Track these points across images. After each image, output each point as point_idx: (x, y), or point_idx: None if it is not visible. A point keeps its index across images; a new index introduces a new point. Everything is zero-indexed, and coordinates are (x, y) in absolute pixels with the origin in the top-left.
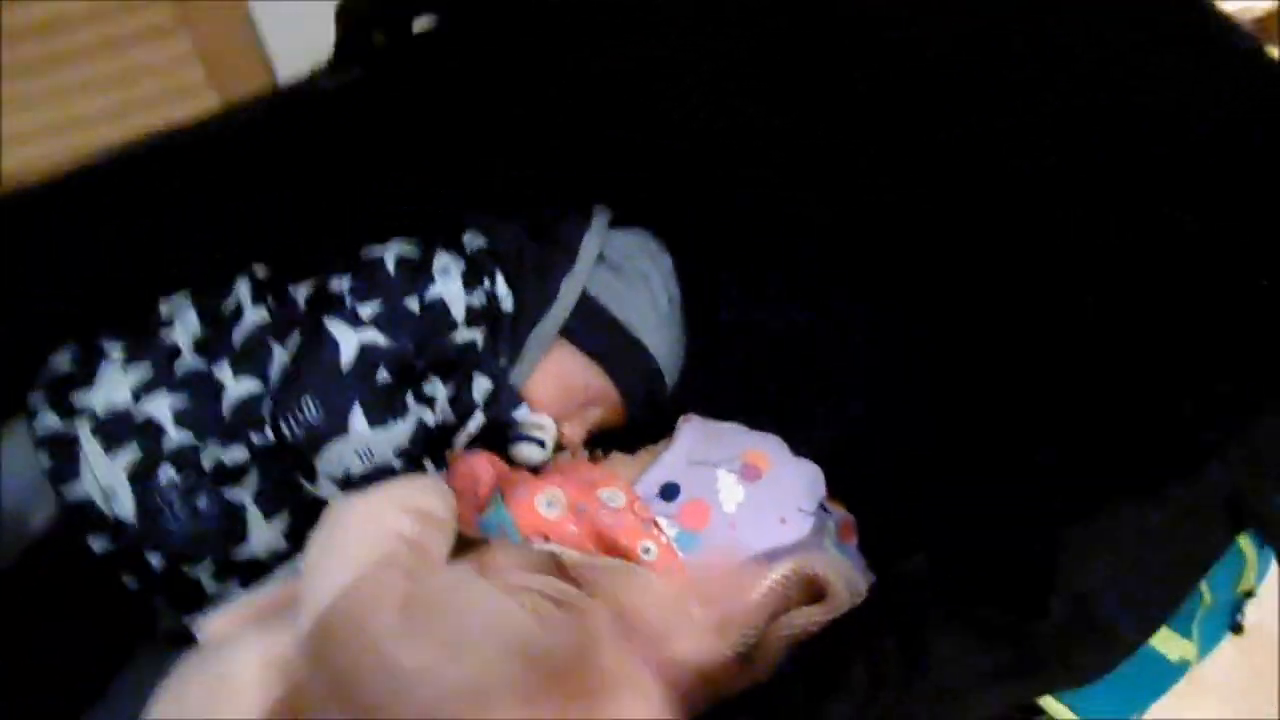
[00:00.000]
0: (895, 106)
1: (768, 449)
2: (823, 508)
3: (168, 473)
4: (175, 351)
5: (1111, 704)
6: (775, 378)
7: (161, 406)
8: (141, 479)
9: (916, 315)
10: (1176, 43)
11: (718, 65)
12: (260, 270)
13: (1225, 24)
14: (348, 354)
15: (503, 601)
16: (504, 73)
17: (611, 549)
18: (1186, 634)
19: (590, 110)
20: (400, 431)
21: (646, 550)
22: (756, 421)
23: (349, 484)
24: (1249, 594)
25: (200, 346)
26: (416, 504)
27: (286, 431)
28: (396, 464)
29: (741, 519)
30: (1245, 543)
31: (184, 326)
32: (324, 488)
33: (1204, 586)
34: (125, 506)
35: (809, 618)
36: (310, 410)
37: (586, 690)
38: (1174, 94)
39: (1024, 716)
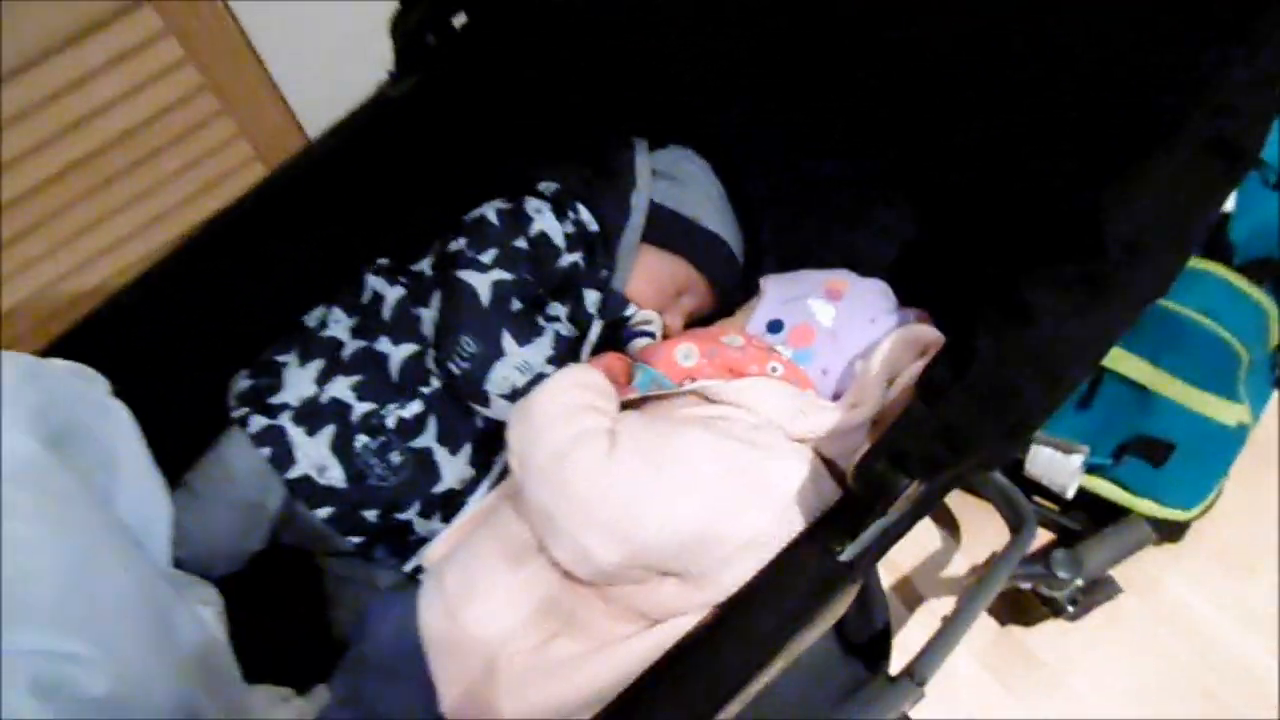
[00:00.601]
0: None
1: (842, 275)
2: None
3: (362, 439)
4: (338, 343)
5: (1191, 485)
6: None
7: (342, 387)
8: (343, 449)
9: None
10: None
11: (722, 62)
12: (383, 261)
13: None
14: (485, 293)
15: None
16: (536, 52)
17: (743, 376)
18: (1236, 397)
19: (611, 78)
20: (544, 344)
21: (774, 369)
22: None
23: (516, 395)
24: None
25: (357, 332)
26: (582, 378)
27: (454, 368)
28: (549, 370)
29: (840, 328)
30: (1263, 297)
31: (338, 324)
32: (496, 406)
33: (1239, 344)
34: (336, 475)
35: (921, 368)
36: (470, 345)
37: (752, 464)
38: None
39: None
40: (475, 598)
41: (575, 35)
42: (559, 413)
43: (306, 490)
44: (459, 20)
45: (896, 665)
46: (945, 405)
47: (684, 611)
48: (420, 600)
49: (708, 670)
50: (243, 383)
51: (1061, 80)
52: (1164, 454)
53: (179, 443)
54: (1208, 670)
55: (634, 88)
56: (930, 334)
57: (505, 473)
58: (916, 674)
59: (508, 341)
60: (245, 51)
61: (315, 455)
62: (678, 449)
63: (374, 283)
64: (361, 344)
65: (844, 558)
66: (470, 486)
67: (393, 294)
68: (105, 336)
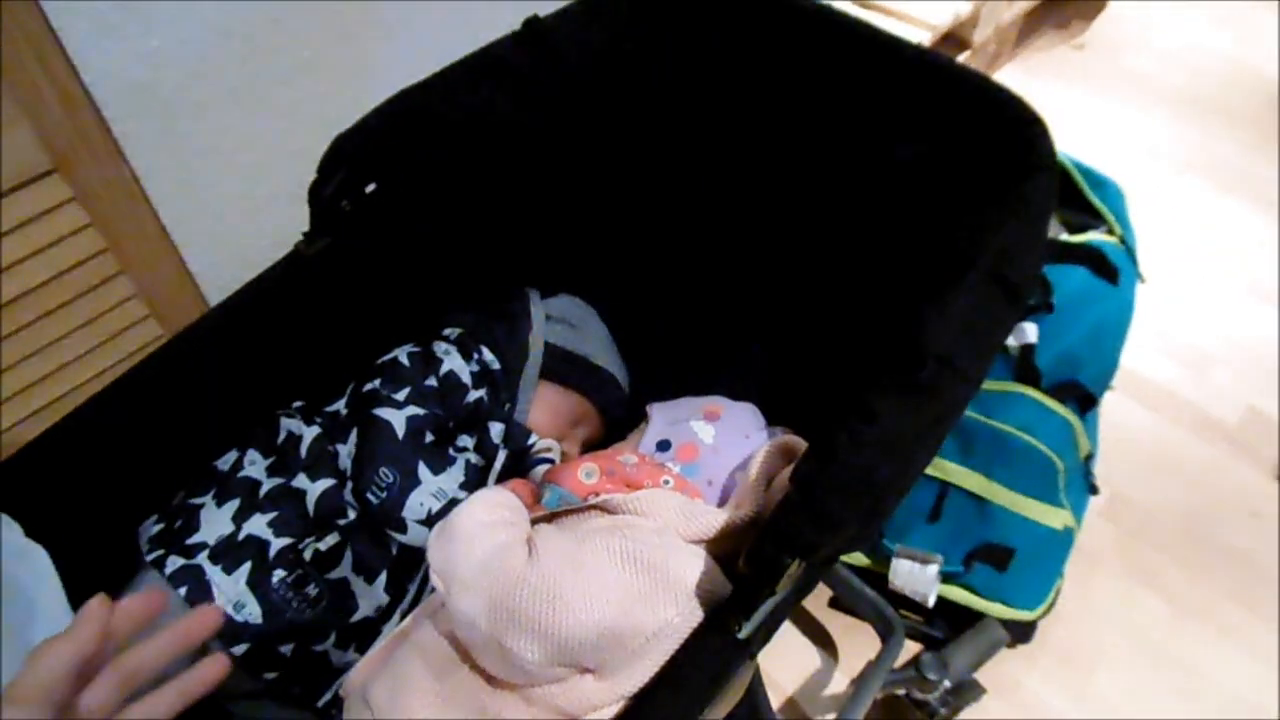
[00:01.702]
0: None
1: (717, 401)
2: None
3: (279, 574)
4: (255, 483)
5: (1032, 587)
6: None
7: (259, 525)
8: (259, 585)
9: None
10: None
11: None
12: (298, 404)
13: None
14: (400, 428)
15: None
16: (441, 216)
17: (640, 489)
18: (1059, 503)
19: (508, 240)
20: (456, 472)
21: (667, 482)
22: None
23: (432, 520)
24: (1090, 457)
25: (273, 471)
26: (497, 498)
27: (372, 498)
28: (462, 495)
29: (720, 444)
30: (1068, 413)
31: (253, 465)
32: (412, 531)
33: (1054, 455)
34: (253, 611)
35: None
36: (387, 475)
37: (656, 563)
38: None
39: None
40: (401, 711)
41: (477, 200)
42: (479, 529)
43: (224, 628)
44: (370, 187)
45: None
46: (815, 492)
47: (603, 705)
48: None
49: None
50: (154, 527)
51: (880, 235)
52: (1006, 559)
53: (88, 589)
54: None
55: (528, 246)
56: (797, 443)
57: (418, 598)
58: None
59: (423, 470)
60: (149, 218)
61: (232, 592)
62: (590, 552)
63: (289, 424)
64: (279, 481)
65: (742, 635)
66: (385, 614)
67: (309, 433)
68: (14, 485)
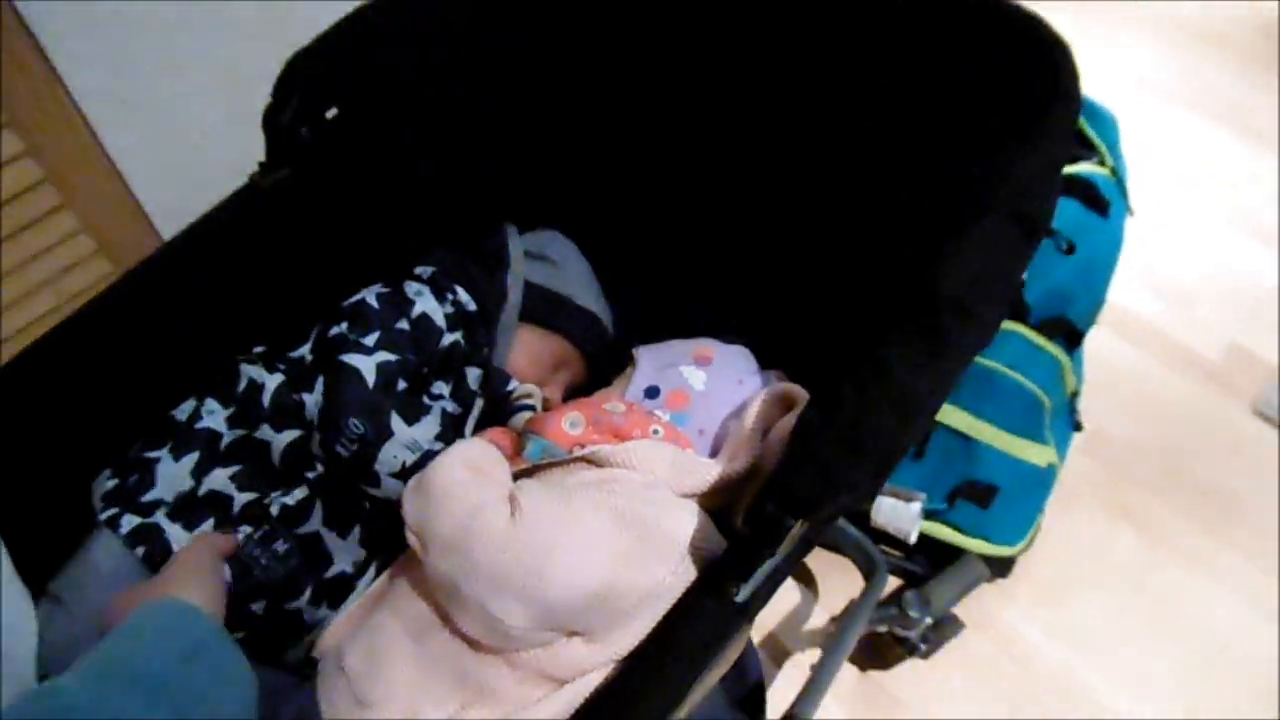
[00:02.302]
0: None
1: (707, 344)
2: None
3: (244, 530)
4: (216, 435)
5: (1014, 523)
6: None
7: (221, 479)
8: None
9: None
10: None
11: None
12: (258, 349)
13: None
14: (370, 375)
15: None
16: (408, 142)
17: (628, 440)
18: (1044, 440)
19: (481, 166)
20: (431, 423)
21: (656, 432)
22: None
23: (407, 474)
24: (1076, 394)
25: (235, 422)
26: (476, 451)
27: (342, 450)
28: (438, 447)
29: (711, 390)
30: (1057, 350)
31: (213, 415)
32: (386, 485)
33: (1041, 392)
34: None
35: (790, 420)
36: (357, 427)
37: (647, 520)
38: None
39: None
40: (380, 677)
41: (447, 126)
42: (457, 485)
43: None
44: (331, 113)
45: (773, 715)
46: (820, 448)
47: (591, 669)
48: (320, 687)
49: None
50: (108, 483)
51: (889, 170)
52: (989, 496)
53: (41, 550)
54: (1047, 693)
55: (504, 176)
56: (795, 390)
57: (393, 552)
58: (797, 717)
59: (396, 421)
60: (93, 147)
61: None
62: (577, 510)
63: (250, 371)
64: (240, 433)
65: (739, 599)
66: (361, 568)
67: (271, 381)
68: None
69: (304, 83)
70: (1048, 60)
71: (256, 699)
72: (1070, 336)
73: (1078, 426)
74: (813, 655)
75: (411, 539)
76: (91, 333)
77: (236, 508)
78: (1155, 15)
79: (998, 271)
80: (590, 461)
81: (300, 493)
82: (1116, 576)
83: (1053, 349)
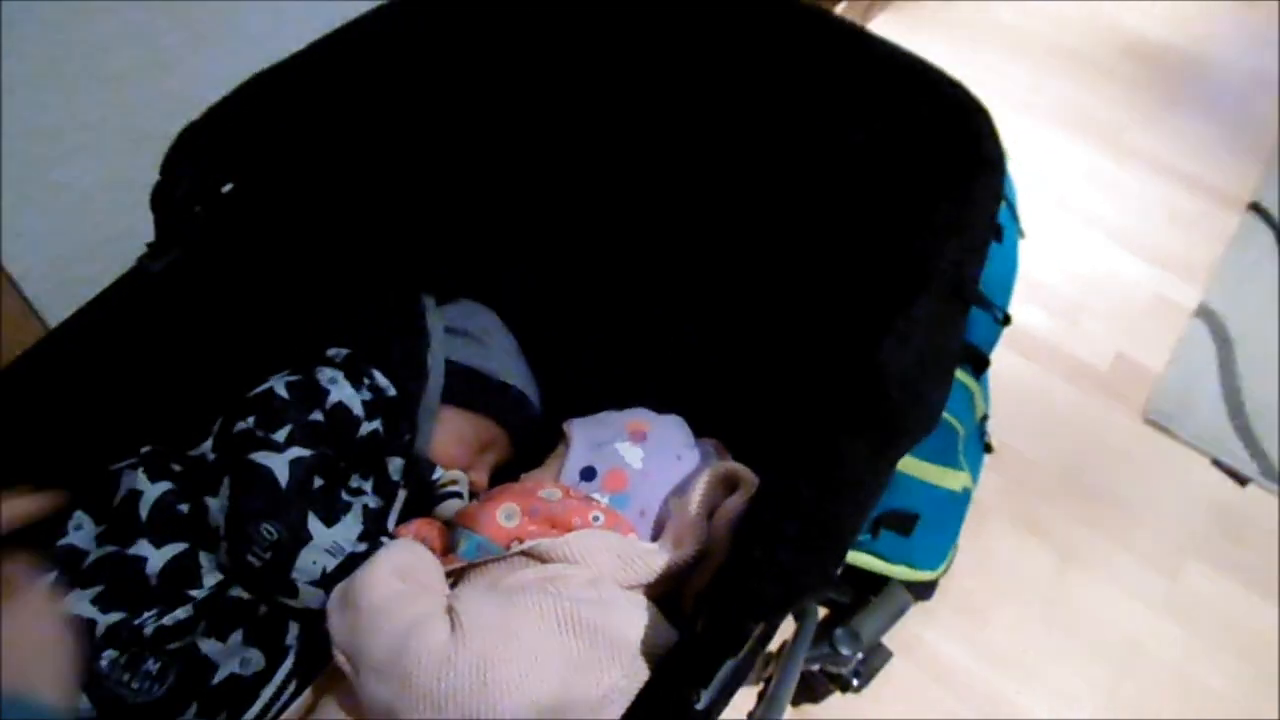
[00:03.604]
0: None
1: (641, 416)
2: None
3: (109, 655)
4: (78, 553)
5: (934, 547)
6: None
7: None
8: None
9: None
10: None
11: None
12: (146, 449)
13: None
14: (283, 475)
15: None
16: (306, 211)
17: (568, 530)
18: (958, 466)
19: (393, 235)
20: (352, 522)
21: (596, 519)
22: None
23: (328, 581)
24: (985, 418)
25: (105, 538)
26: (405, 556)
27: (253, 560)
28: (360, 548)
29: (650, 468)
30: (967, 378)
31: (79, 533)
32: (304, 593)
33: (956, 420)
34: (83, 704)
35: (736, 502)
36: (270, 533)
37: (596, 624)
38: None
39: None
40: None
41: (351, 195)
42: (389, 600)
43: None
44: (226, 187)
45: None
46: (781, 551)
47: None
48: None
49: None
50: None
51: (821, 244)
52: (911, 524)
53: None
54: (972, 710)
55: (417, 246)
56: (739, 470)
57: (301, 657)
58: None
59: (314, 524)
60: None
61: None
62: (521, 618)
63: (129, 480)
64: (109, 549)
65: (700, 706)
66: (261, 673)
67: (153, 490)
68: None
69: (198, 157)
70: (971, 129)
71: None
72: (977, 363)
73: (988, 448)
74: (750, 698)
75: (340, 659)
76: None
77: (100, 631)
78: (1021, 38)
79: (941, 348)
80: (530, 556)
81: (183, 613)
82: (1030, 589)
83: (964, 377)
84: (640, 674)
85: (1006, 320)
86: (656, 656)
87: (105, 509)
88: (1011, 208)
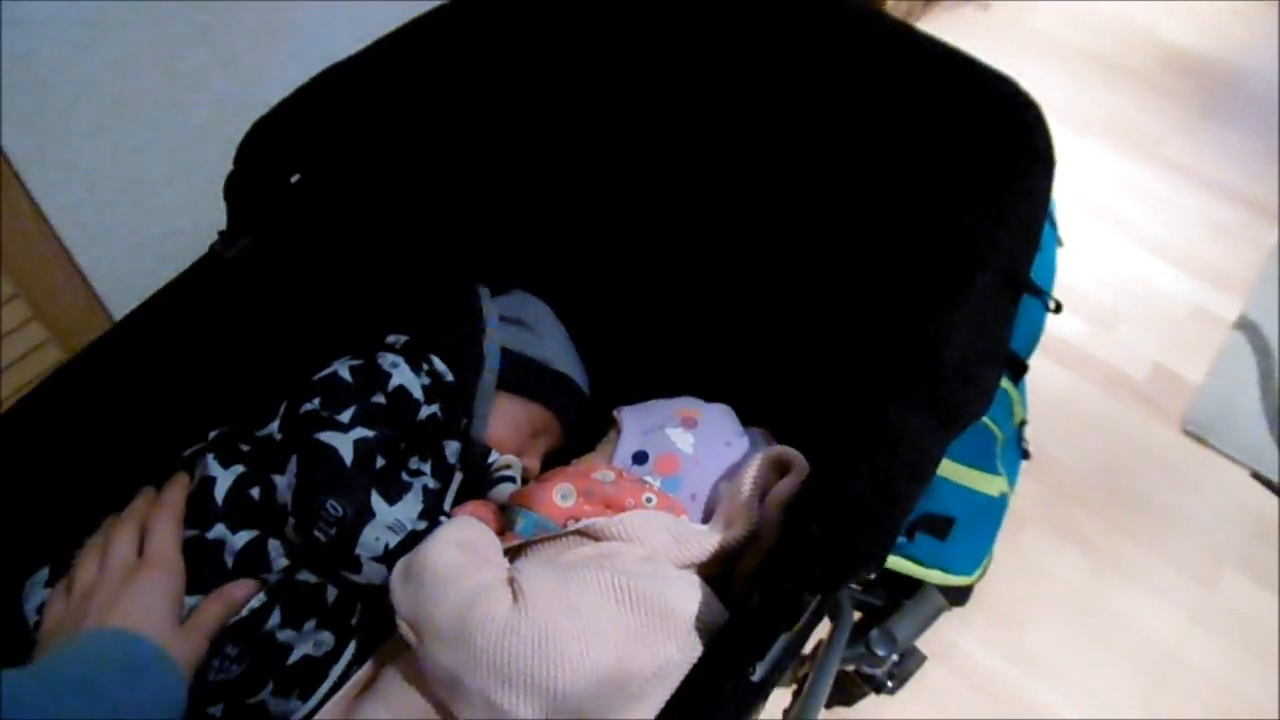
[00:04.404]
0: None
1: (690, 404)
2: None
3: None
4: None
5: (970, 553)
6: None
7: None
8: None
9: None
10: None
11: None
12: (217, 431)
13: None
14: (347, 454)
15: (577, 567)
16: (370, 203)
17: (622, 510)
18: (995, 471)
19: (451, 228)
20: (413, 501)
21: (649, 500)
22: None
23: (390, 557)
24: (1024, 424)
25: (185, 522)
26: (467, 531)
27: (319, 535)
28: (421, 526)
29: (701, 454)
30: (1006, 383)
31: None
32: (368, 569)
33: (994, 427)
34: None
35: (788, 486)
36: (335, 509)
37: (652, 597)
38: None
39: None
40: None
41: (413, 188)
42: (452, 570)
43: None
44: (295, 178)
45: None
46: (839, 524)
47: None
48: None
49: None
50: (42, 591)
51: (876, 234)
52: (947, 528)
53: None
54: (1008, 717)
55: (474, 237)
56: (790, 454)
57: (367, 636)
58: None
59: (377, 501)
60: (40, 231)
61: None
62: (580, 591)
63: (204, 466)
64: (191, 533)
65: (756, 678)
66: (330, 653)
67: (226, 477)
68: None
69: (268, 149)
70: (1020, 121)
71: None
72: (1016, 368)
73: (1026, 455)
74: (784, 699)
75: (404, 629)
76: (33, 426)
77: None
78: (1059, 46)
79: (994, 334)
80: (585, 535)
81: (256, 601)
82: (1066, 596)
83: (1003, 383)
84: (695, 649)
85: (1058, 308)
86: (708, 632)
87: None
88: (1050, 215)
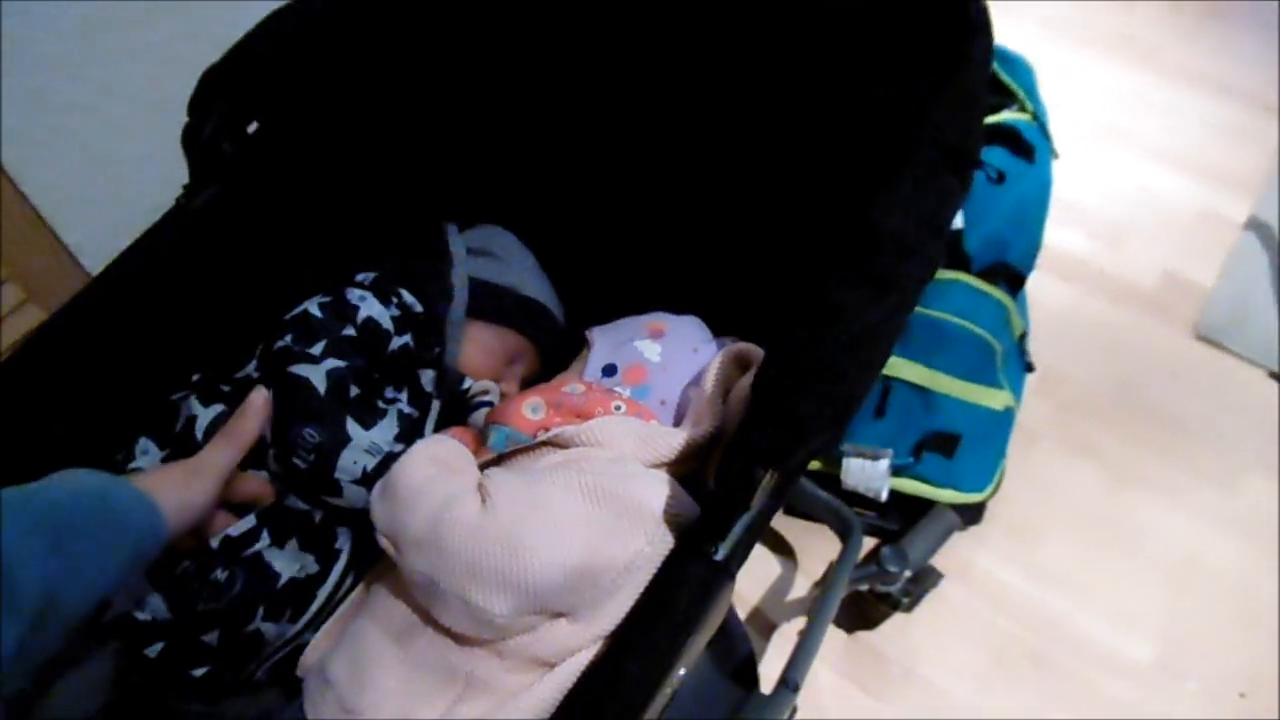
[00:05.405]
0: None
1: (659, 317)
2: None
3: (183, 566)
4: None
5: (980, 469)
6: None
7: None
8: (160, 577)
9: None
10: None
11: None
12: (197, 376)
13: None
14: (320, 384)
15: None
16: (330, 146)
17: (590, 420)
18: (998, 384)
19: (412, 166)
20: (389, 425)
21: (618, 408)
22: None
23: (369, 479)
24: (1024, 336)
25: (168, 461)
26: (438, 448)
27: (299, 463)
28: (398, 449)
29: (668, 361)
30: (1001, 294)
31: (146, 457)
32: (348, 492)
33: (991, 337)
34: (158, 607)
35: (750, 380)
36: (311, 436)
37: (618, 493)
38: None
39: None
40: (367, 685)
41: (372, 128)
42: (424, 482)
43: (128, 630)
44: (253, 126)
45: (766, 687)
46: (781, 396)
47: (580, 648)
48: (307, 704)
49: (615, 692)
50: None
51: (813, 115)
52: (953, 445)
53: None
54: (1030, 633)
55: (438, 175)
56: (751, 349)
57: (354, 558)
58: (790, 681)
59: (352, 426)
60: (10, 192)
61: (131, 589)
62: (547, 490)
63: (186, 408)
64: None
65: (719, 557)
66: (316, 576)
67: (207, 414)
68: None
69: (221, 96)
70: None
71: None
72: (1012, 280)
73: (1029, 367)
74: (799, 623)
75: (384, 542)
76: (19, 381)
77: None
78: None
79: (932, 208)
80: (555, 444)
81: (247, 523)
82: (1082, 510)
83: (997, 293)
84: (665, 542)
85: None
86: (681, 527)
87: (167, 435)
88: (1043, 127)
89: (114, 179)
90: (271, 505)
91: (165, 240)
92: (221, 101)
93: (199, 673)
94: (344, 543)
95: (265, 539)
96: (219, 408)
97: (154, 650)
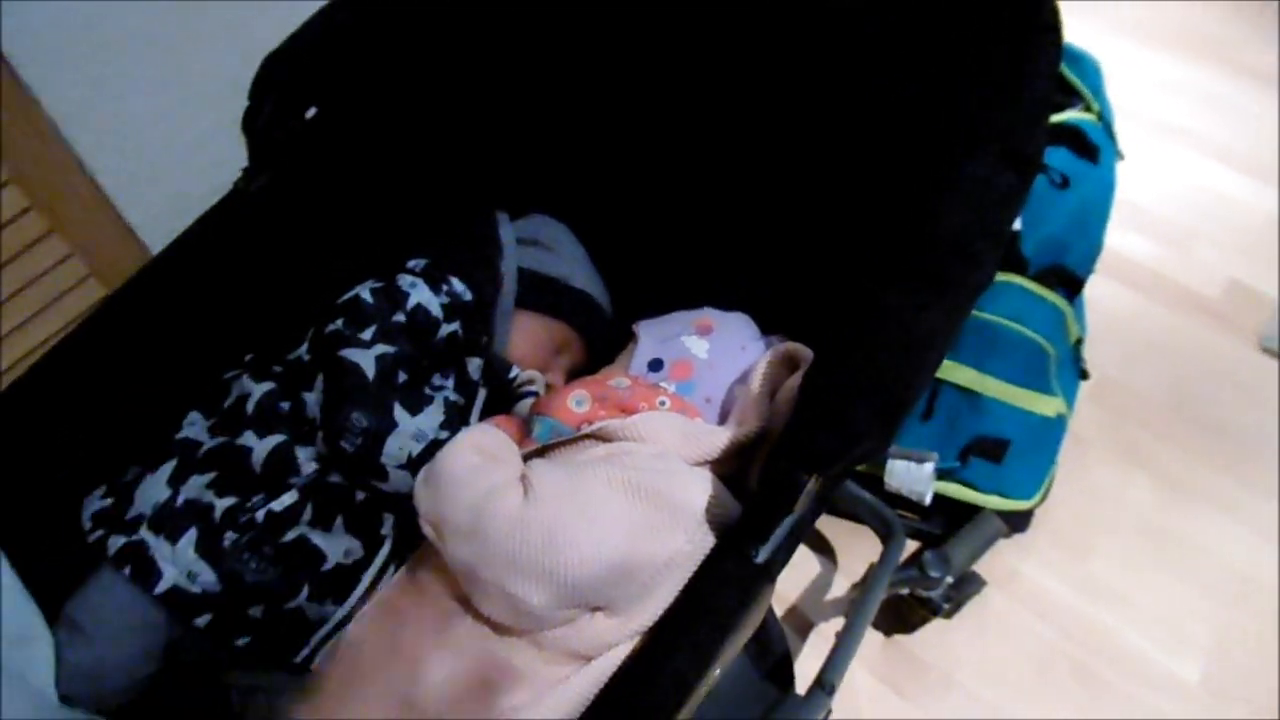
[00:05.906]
0: None
1: (707, 313)
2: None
3: (230, 536)
4: (195, 444)
5: (1028, 476)
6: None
7: (198, 486)
8: (210, 550)
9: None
10: None
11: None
12: (249, 356)
13: None
14: (369, 369)
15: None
16: (386, 133)
17: (634, 414)
18: (1051, 391)
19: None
20: (435, 412)
21: (663, 403)
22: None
23: (414, 465)
24: (1080, 342)
25: (216, 431)
26: (482, 437)
27: (346, 446)
28: (444, 436)
29: (715, 358)
30: (1057, 299)
31: (193, 427)
32: (394, 478)
33: (1045, 342)
34: (208, 578)
35: (798, 380)
36: (360, 421)
37: (660, 490)
38: None
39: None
40: (405, 665)
41: (427, 117)
42: (468, 471)
43: (179, 601)
44: (310, 111)
45: (801, 687)
46: (829, 400)
47: (617, 643)
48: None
49: (651, 690)
50: (96, 504)
51: (877, 116)
52: (1001, 451)
53: (48, 574)
54: (1074, 645)
55: (490, 164)
56: (799, 349)
57: (398, 543)
58: (826, 683)
59: (399, 413)
60: (73, 168)
61: (182, 561)
62: (589, 484)
63: (238, 386)
64: (220, 441)
65: (759, 560)
66: (363, 562)
67: (258, 390)
68: None
69: (278, 84)
70: None
71: None
72: (1070, 284)
73: (1084, 375)
74: (836, 624)
75: (427, 529)
76: (84, 355)
77: (218, 514)
78: None
79: (992, 211)
80: (599, 437)
81: (289, 498)
82: (1133, 522)
83: (1053, 298)
84: (705, 540)
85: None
86: (722, 526)
87: (216, 409)
88: (1108, 128)
89: (177, 160)
90: (313, 481)
91: (222, 223)
92: (278, 89)
93: (242, 641)
94: (389, 529)
95: (309, 513)
96: (269, 385)
97: (203, 620)
